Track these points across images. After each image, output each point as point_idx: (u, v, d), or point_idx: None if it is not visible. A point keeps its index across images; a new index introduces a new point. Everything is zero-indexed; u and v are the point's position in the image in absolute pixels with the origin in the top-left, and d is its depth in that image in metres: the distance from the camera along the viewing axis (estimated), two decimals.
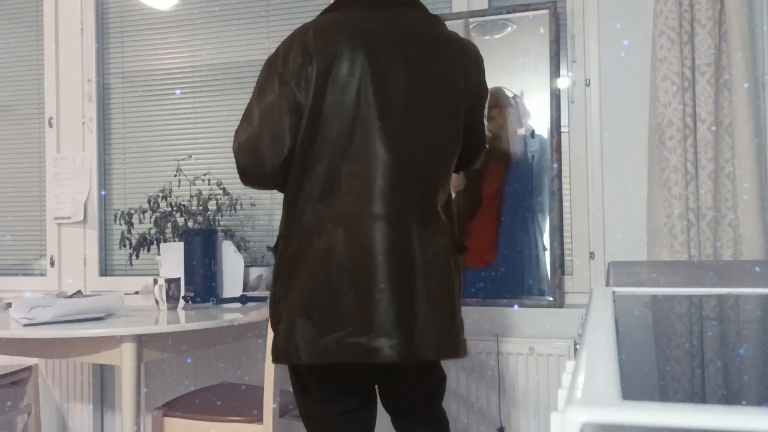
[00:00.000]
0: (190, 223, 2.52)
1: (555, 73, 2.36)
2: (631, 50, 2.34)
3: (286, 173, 1.60)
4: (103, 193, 3.02)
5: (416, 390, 1.73)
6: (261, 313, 2.01)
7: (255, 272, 2.57)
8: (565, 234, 2.40)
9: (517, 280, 2.37)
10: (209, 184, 2.84)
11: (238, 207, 2.82)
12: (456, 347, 1.57)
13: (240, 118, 2.83)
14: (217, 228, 2.49)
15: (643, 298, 1.01)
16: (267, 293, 2.34)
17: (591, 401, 0.46)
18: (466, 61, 1.66)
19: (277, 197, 2.79)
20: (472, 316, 2.43)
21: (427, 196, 1.57)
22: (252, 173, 1.60)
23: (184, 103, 2.92)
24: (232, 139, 1.80)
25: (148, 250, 2.54)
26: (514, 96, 2.39)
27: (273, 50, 2.81)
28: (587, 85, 2.38)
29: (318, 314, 1.50)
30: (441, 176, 1.62)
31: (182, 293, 2.26)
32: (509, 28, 2.44)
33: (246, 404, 2.04)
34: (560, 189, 2.34)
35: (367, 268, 1.49)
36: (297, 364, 1.65)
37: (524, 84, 2.41)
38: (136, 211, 2.59)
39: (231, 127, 2.85)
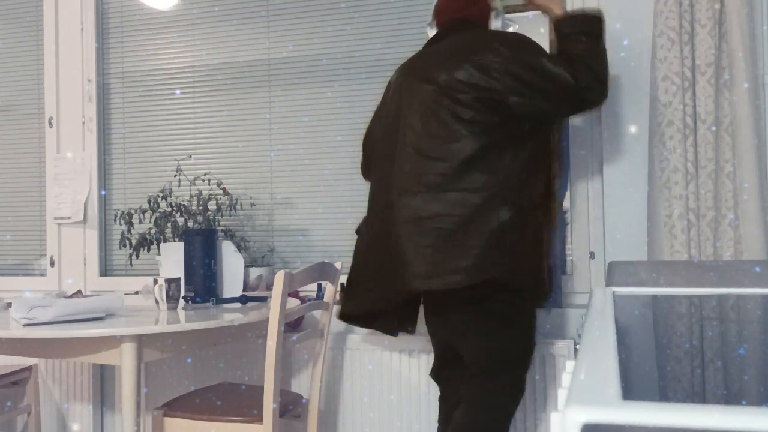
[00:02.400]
0: (190, 223, 2.52)
1: None
2: (631, 50, 2.34)
3: None
4: (103, 193, 3.02)
5: None
6: (261, 313, 2.01)
7: (255, 272, 2.57)
8: (565, 234, 2.40)
9: None
10: (209, 184, 2.84)
11: (238, 207, 2.82)
12: None
13: (239, 117, 2.83)
14: (217, 228, 2.49)
15: (643, 298, 1.01)
16: (267, 293, 2.34)
17: (591, 401, 0.46)
18: (478, 56, 1.85)
19: (276, 197, 2.79)
20: None
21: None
22: None
23: (184, 103, 2.92)
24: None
25: (148, 250, 2.54)
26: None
27: (273, 50, 2.82)
28: None
29: None
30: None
31: (182, 293, 2.26)
32: (511, 28, 2.44)
33: (246, 404, 2.04)
34: (561, 189, 2.34)
35: None
36: None
37: None
38: (136, 211, 2.59)
39: (231, 127, 2.85)
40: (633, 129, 2.33)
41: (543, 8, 2.06)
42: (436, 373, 2.10)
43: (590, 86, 1.80)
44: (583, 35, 1.84)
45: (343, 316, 2.06)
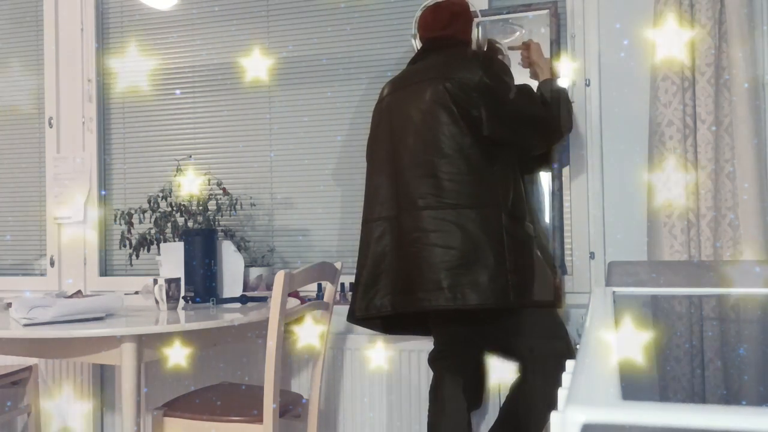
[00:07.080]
0: (190, 223, 2.52)
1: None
2: (631, 50, 2.34)
3: None
4: (103, 193, 3.02)
5: None
6: (261, 313, 2.01)
7: (255, 272, 2.57)
8: (565, 234, 2.40)
9: None
10: (209, 184, 2.84)
11: (238, 207, 2.82)
12: None
13: (239, 117, 2.83)
14: (217, 228, 2.49)
15: (643, 298, 1.01)
16: (267, 293, 2.33)
17: (591, 401, 0.46)
18: (459, 74, 1.97)
19: (277, 197, 2.79)
20: None
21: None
22: None
23: (184, 103, 2.92)
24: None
25: (148, 250, 2.54)
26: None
27: (273, 50, 2.82)
28: (587, 85, 2.38)
29: None
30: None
31: (182, 293, 2.25)
32: (518, 32, 2.44)
33: (246, 404, 2.04)
34: (560, 189, 2.34)
35: None
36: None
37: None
38: (136, 211, 2.59)
39: (231, 127, 2.85)
40: (633, 129, 2.33)
41: (534, 66, 2.23)
42: (434, 360, 2.15)
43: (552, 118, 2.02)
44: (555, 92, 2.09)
45: (359, 320, 2.13)
